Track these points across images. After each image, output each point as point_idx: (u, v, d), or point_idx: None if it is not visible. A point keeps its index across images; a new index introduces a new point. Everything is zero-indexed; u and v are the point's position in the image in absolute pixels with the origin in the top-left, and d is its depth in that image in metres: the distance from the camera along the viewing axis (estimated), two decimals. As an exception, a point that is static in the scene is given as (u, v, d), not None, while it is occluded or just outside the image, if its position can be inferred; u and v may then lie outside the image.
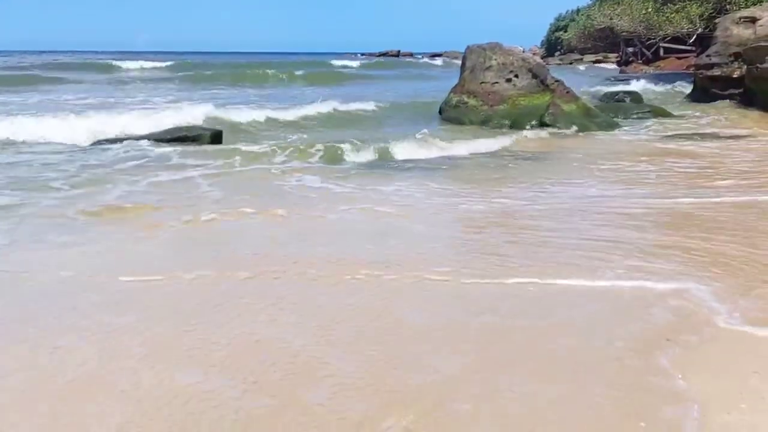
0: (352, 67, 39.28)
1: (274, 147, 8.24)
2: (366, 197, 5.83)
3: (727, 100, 14.90)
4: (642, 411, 2.33)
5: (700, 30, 32.38)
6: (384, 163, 7.82)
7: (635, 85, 19.78)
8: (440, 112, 13.04)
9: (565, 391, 2.47)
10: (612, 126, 11.58)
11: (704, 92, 15.88)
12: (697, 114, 13.47)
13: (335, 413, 2.32)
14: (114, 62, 34.58)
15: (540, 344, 2.87)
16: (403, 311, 3.21)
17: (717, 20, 18.13)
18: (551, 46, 60.88)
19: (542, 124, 11.31)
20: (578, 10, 57.34)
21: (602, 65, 42.69)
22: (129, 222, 4.89)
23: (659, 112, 13.29)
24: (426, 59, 64.61)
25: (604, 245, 4.25)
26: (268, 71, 26.32)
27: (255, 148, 8.18)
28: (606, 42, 45.34)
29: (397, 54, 79.09)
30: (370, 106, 13.79)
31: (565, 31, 57.31)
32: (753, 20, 15.44)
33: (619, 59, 42.18)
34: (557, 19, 62.75)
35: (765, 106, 13.46)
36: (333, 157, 7.88)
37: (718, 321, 3.10)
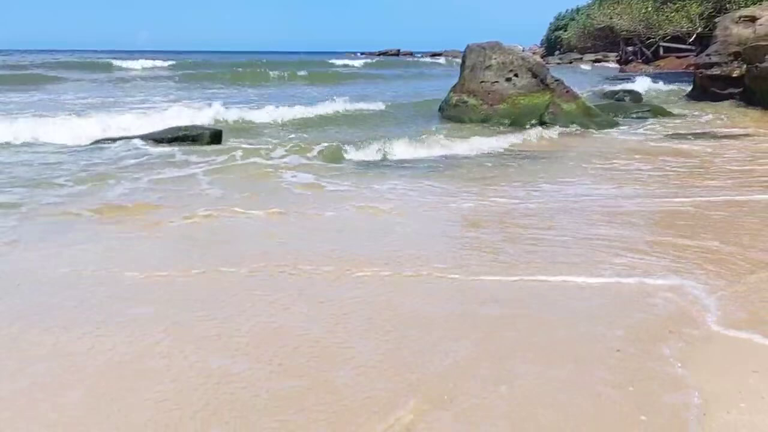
0: (354, 67, 39.33)
1: (274, 146, 8.25)
2: (364, 195, 5.86)
3: (727, 99, 14.90)
4: (642, 395, 2.43)
5: (699, 29, 32.44)
6: (384, 162, 7.82)
7: (639, 84, 19.57)
8: (440, 111, 13.05)
9: (569, 375, 2.58)
10: (611, 125, 11.59)
11: (704, 91, 15.89)
12: (697, 113, 13.48)
13: (361, 393, 2.45)
14: (115, 62, 34.55)
15: (543, 333, 2.97)
16: (409, 304, 3.31)
17: (717, 19, 18.13)
18: (551, 46, 60.93)
19: (542, 123, 11.31)
20: (578, 10, 57.42)
21: (605, 64, 42.65)
22: (130, 220, 4.93)
23: (659, 111, 13.31)
24: (426, 58, 64.66)
25: (598, 243, 4.31)
26: (270, 72, 26.30)
27: (255, 147, 8.19)
28: (606, 41, 45.41)
29: (397, 53, 79.11)
30: (371, 105, 13.81)
31: (565, 31, 57.38)
32: (753, 19, 15.44)
33: (618, 58, 42.21)
34: (557, 19, 62.80)
35: (764, 105, 13.47)
36: (333, 156, 7.88)
37: (714, 319, 3.11)
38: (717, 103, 14.83)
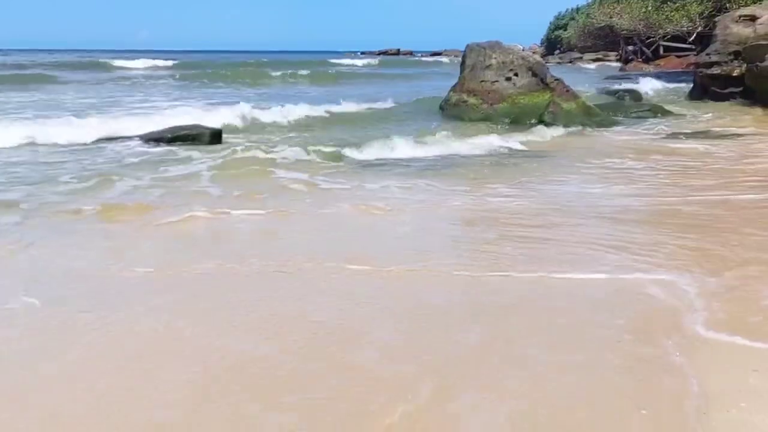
0: (356, 66, 39.39)
1: (275, 146, 8.26)
2: (363, 194, 5.89)
3: (728, 99, 14.90)
4: (642, 389, 2.52)
5: (699, 28, 32.41)
6: (383, 161, 7.82)
7: (644, 84, 19.30)
8: (441, 110, 13.05)
9: (574, 360, 2.72)
10: (611, 124, 11.59)
11: (704, 91, 15.89)
12: (697, 112, 13.47)
13: (380, 375, 2.60)
14: (115, 61, 34.58)
15: (548, 322, 3.10)
16: (417, 296, 3.46)
17: (717, 18, 18.12)
18: (551, 45, 60.86)
19: (542, 123, 11.31)
20: (578, 9, 57.35)
21: (607, 63, 42.59)
22: (133, 218, 4.98)
23: (658, 111, 13.29)
24: (428, 58, 64.64)
25: (594, 240, 4.38)
26: (272, 71, 26.29)
27: (255, 147, 8.19)
28: (606, 40, 45.38)
29: (397, 52, 79.15)
30: (372, 105, 13.77)
31: (565, 30, 57.31)
32: (753, 19, 15.44)
33: (618, 58, 42.20)
34: (557, 18, 62.72)
35: (765, 104, 13.47)
36: (333, 156, 7.89)
37: (710, 318, 3.13)
38: (717, 102, 14.83)
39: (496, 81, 12.49)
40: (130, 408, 2.38)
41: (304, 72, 26.73)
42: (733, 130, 10.77)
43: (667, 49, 36.50)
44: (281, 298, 3.40)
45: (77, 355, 2.78)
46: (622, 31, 38.94)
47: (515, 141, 9.36)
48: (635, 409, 2.36)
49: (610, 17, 39.16)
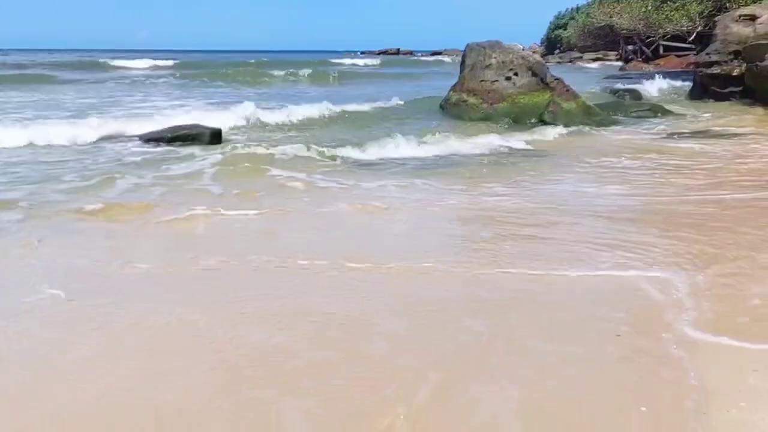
0: (357, 66, 39.38)
1: (275, 145, 8.26)
2: (363, 194, 5.92)
3: (727, 98, 14.90)
4: (642, 374, 2.63)
5: (699, 28, 32.43)
6: (383, 161, 7.83)
7: (649, 85, 18.98)
8: (441, 110, 13.05)
9: (574, 353, 2.80)
10: (611, 124, 11.59)
11: (704, 90, 15.89)
12: (696, 112, 13.46)
13: (391, 364, 2.70)
14: (115, 61, 34.56)
15: (549, 315, 3.18)
16: (418, 291, 3.53)
17: (717, 18, 18.12)
18: (551, 44, 60.87)
19: (542, 122, 11.32)
20: (578, 8, 57.37)
21: (609, 63, 42.55)
22: (135, 217, 5.02)
23: (658, 110, 13.29)
24: (430, 57, 64.61)
25: (590, 238, 4.44)
26: (274, 71, 26.26)
27: (255, 146, 8.19)
28: (606, 40, 45.39)
29: (397, 52, 79.15)
30: (374, 105, 13.74)
31: (565, 29, 57.32)
32: (753, 18, 15.44)
33: (618, 57, 42.21)
34: (557, 17, 62.73)
35: (764, 104, 13.48)
36: (332, 155, 7.89)
37: (701, 315, 3.15)
38: (717, 101, 14.83)
39: (496, 80, 12.49)
40: (150, 393, 2.47)
41: (305, 71, 26.70)
42: (732, 129, 10.77)
43: (667, 48, 36.51)
44: (286, 293, 3.48)
45: (100, 342, 2.90)
46: (622, 30, 38.95)
47: (515, 140, 9.36)
48: (635, 401, 2.37)
49: (610, 17, 39.17)
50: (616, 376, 2.61)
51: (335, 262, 3.90)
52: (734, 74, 14.89)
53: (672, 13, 33.74)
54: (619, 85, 18.72)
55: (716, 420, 2.28)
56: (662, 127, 11.29)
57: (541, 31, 67.72)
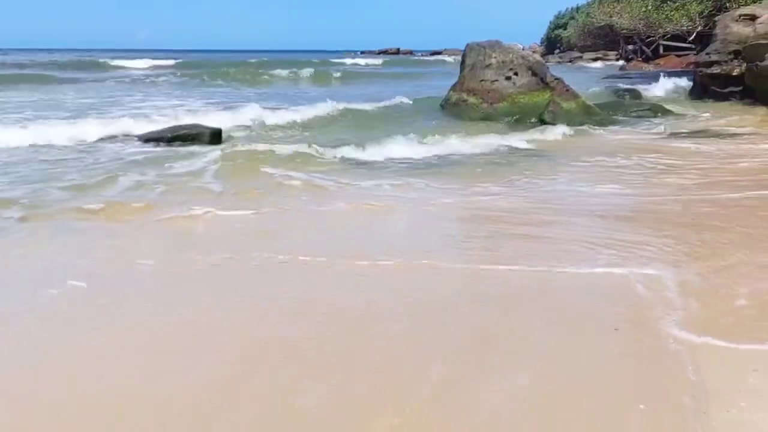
0: (359, 65, 39.39)
1: (275, 145, 8.26)
2: (360, 193, 5.97)
3: (728, 98, 14.90)
4: (642, 358, 2.77)
5: (699, 27, 32.42)
6: (382, 160, 7.83)
7: (661, 84, 18.67)
8: (441, 109, 13.05)
9: (574, 341, 2.90)
10: (611, 124, 11.59)
11: (704, 90, 15.89)
12: (696, 112, 13.46)
13: (400, 353, 2.82)
14: (115, 61, 34.56)
15: (549, 308, 3.27)
16: (420, 287, 3.61)
17: (717, 18, 18.11)
18: (551, 44, 60.83)
19: (542, 122, 11.32)
20: (578, 8, 57.31)
21: (610, 62, 42.50)
22: (136, 216, 5.05)
23: (658, 110, 13.28)
24: (426, 57, 64.59)
25: (584, 238, 4.48)
26: (275, 71, 26.25)
27: (255, 146, 8.19)
28: (606, 40, 45.35)
29: (397, 51, 79.15)
30: (376, 104, 13.71)
31: (565, 29, 57.27)
32: (753, 18, 15.43)
33: (618, 57, 42.19)
34: (557, 17, 62.68)
35: (764, 103, 13.47)
36: (332, 155, 7.90)
37: (697, 314, 3.17)
38: (717, 101, 14.82)
39: (496, 80, 12.49)
40: (163, 386, 2.55)
41: (306, 71, 26.69)
42: (731, 129, 10.79)
43: (667, 48, 36.50)
44: (291, 288, 3.56)
45: (102, 341, 2.94)
46: (622, 30, 38.93)
47: (514, 140, 9.36)
48: (634, 395, 2.38)
49: (610, 16, 39.14)
50: (616, 369, 2.65)
51: (336, 260, 3.97)
52: (734, 74, 14.88)
53: (672, 12, 33.73)
54: (621, 85, 18.64)
55: (716, 420, 2.28)
56: (661, 127, 11.28)
57: (541, 31, 67.72)
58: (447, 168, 7.42)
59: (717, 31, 16.26)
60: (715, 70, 15.36)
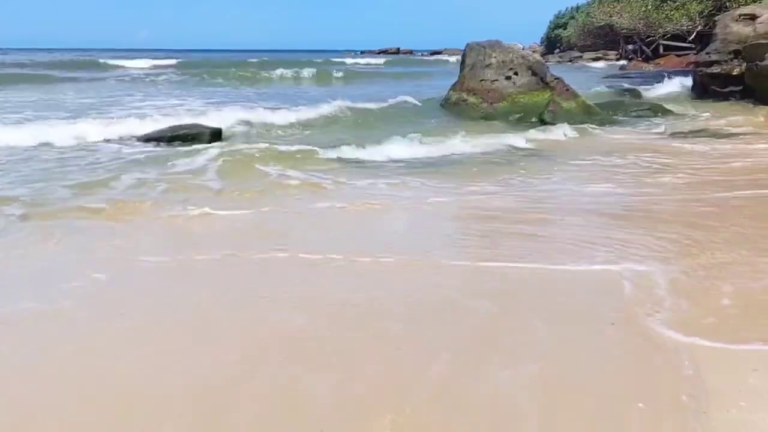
0: (360, 65, 39.38)
1: (274, 145, 8.27)
2: (359, 192, 6.01)
3: (727, 98, 14.89)
4: (639, 355, 2.81)
5: (699, 27, 32.43)
6: (380, 160, 7.85)
7: (667, 84, 18.42)
8: (441, 108, 13.05)
9: (573, 340, 2.94)
10: (610, 123, 11.60)
11: (704, 89, 15.89)
12: (696, 111, 13.45)
13: (407, 344, 2.90)
14: (115, 60, 34.52)
15: (546, 306, 3.33)
16: (422, 283, 3.68)
17: (717, 17, 18.10)
18: (551, 44, 60.79)
19: (542, 122, 11.32)
20: (578, 8, 57.27)
21: (611, 62, 42.45)
22: (134, 216, 5.08)
23: (658, 110, 13.28)
24: (426, 57, 64.57)
25: (578, 235, 4.57)
26: (276, 71, 26.22)
27: (254, 146, 8.19)
28: (606, 39, 45.33)
29: (397, 51, 79.13)
30: (377, 104, 13.68)
31: (565, 29, 57.23)
32: (753, 17, 15.43)
33: (618, 57, 42.18)
34: (557, 17, 62.62)
35: (764, 103, 13.48)
36: (331, 155, 7.90)
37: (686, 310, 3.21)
38: (717, 101, 14.82)
39: (496, 80, 12.50)
40: (168, 381, 2.60)
41: (308, 71, 26.66)
42: (729, 129, 10.81)
43: (666, 48, 36.49)
44: (291, 288, 3.59)
45: (119, 332, 3.03)
46: (622, 30, 38.93)
47: (514, 140, 9.36)
48: (634, 390, 2.39)
49: (610, 16, 39.14)
50: (614, 368, 2.70)
51: (336, 258, 4.01)
52: (734, 74, 14.88)
53: (672, 12, 33.74)
54: (626, 85, 18.55)
55: (716, 420, 2.29)
56: (660, 126, 11.30)
57: (541, 31, 67.63)
58: (445, 167, 7.45)
59: (717, 30, 16.25)
60: (715, 69, 15.36)
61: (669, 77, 19.35)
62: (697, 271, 3.77)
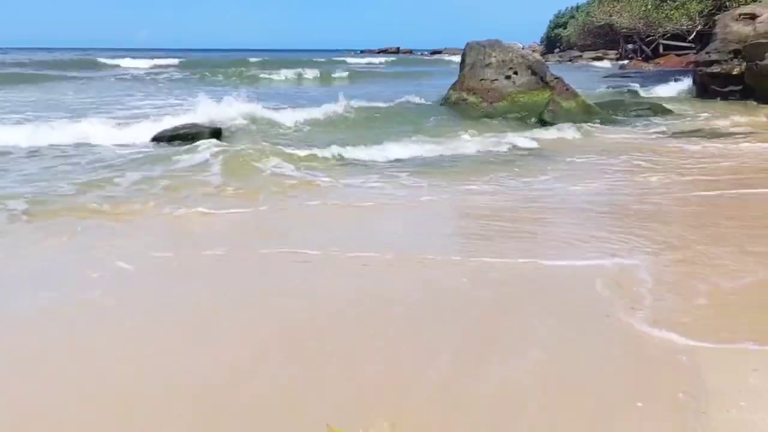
0: (361, 65, 39.38)
1: (275, 144, 8.27)
2: (358, 191, 6.06)
3: (727, 97, 14.90)
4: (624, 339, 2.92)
5: (699, 27, 32.41)
6: (379, 160, 7.85)
7: (671, 84, 18.26)
8: (440, 108, 13.04)
9: (573, 339, 2.96)
10: (610, 123, 11.59)
11: (704, 89, 15.90)
12: (695, 111, 13.45)
13: (411, 337, 2.97)
14: (116, 60, 34.51)
15: (543, 304, 3.37)
16: (423, 278, 3.75)
17: (716, 17, 18.10)
18: (551, 43, 60.82)
19: (542, 121, 11.32)
20: (578, 7, 57.32)
21: (611, 61, 42.40)
22: (134, 215, 5.11)
23: (658, 110, 13.27)
24: (427, 56, 64.56)
25: (572, 232, 4.67)
26: (278, 71, 26.21)
27: (254, 145, 8.18)
28: (606, 39, 45.36)
29: (397, 51, 79.11)
30: (378, 104, 13.65)
31: (565, 28, 57.26)
32: (752, 17, 15.43)
33: (618, 56, 42.17)
34: (557, 16, 62.66)
35: (764, 102, 13.48)
36: (330, 154, 7.90)
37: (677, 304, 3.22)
38: (717, 100, 14.83)
39: (496, 79, 12.49)
40: (169, 380, 2.61)
41: (309, 70, 26.65)
42: (727, 129, 10.83)
43: (666, 47, 36.47)
44: (296, 283, 3.67)
45: (120, 331, 3.05)
46: (622, 29, 38.94)
47: (513, 139, 9.37)
48: (633, 390, 2.40)
49: (610, 15, 39.14)
50: (613, 361, 2.74)
51: (336, 257, 4.05)
52: (734, 73, 14.89)
53: (672, 11, 33.72)
54: (631, 84, 18.49)
55: (716, 420, 2.29)
56: (659, 126, 11.31)
57: (540, 30, 67.68)
58: (444, 166, 7.49)
59: (717, 30, 16.26)
60: (715, 69, 15.36)
61: (669, 77, 19.33)
62: (680, 267, 3.86)
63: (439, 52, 71.42)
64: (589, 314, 3.20)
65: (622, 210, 5.47)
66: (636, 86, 18.21)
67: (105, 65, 32.33)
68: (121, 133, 9.22)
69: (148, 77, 23.55)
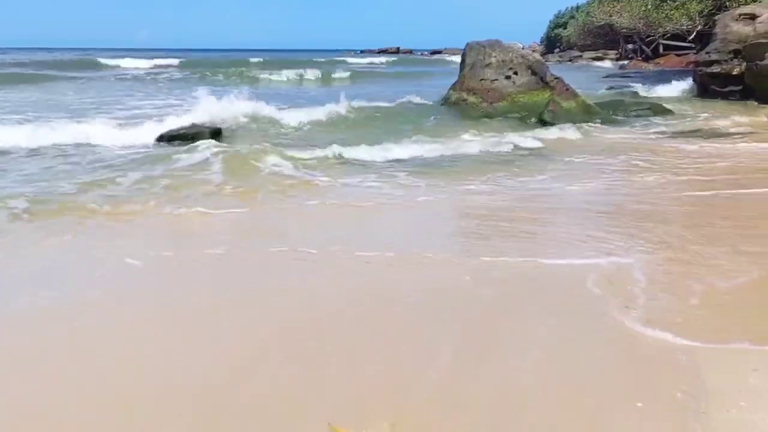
0: (362, 64, 39.37)
1: (274, 144, 8.27)
2: (358, 191, 6.07)
3: (727, 97, 14.90)
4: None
5: (699, 27, 32.42)
6: (378, 160, 7.85)
7: (671, 84, 18.10)
8: (441, 108, 13.04)
9: (573, 339, 2.97)
10: (610, 123, 11.59)
11: (704, 89, 15.90)
12: (695, 111, 13.45)
13: (412, 334, 3.00)
14: (116, 60, 34.48)
15: (547, 293, 3.49)
16: (424, 277, 3.77)
17: (716, 17, 18.10)
18: (551, 43, 60.81)
19: (542, 121, 11.31)
20: (578, 7, 57.31)
21: (611, 61, 42.38)
22: (135, 215, 5.11)
23: (658, 110, 13.26)
24: (426, 56, 64.55)
25: (570, 232, 4.70)
26: (279, 71, 26.20)
27: (253, 145, 8.18)
28: (606, 39, 45.36)
29: (397, 51, 79.08)
30: (379, 104, 13.63)
31: (565, 28, 57.26)
32: (752, 17, 15.43)
33: (618, 56, 42.17)
34: (557, 16, 62.65)
35: (764, 102, 13.48)
36: (330, 154, 7.90)
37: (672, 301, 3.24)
38: (717, 100, 14.83)
39: (496, 79, 12.49)
40: (183, 370, 2.67)
41: (309, 70, 26.64)
42: (727, 129, 10.82)
43: (666, 47, 36.48)
44: (296, 282, 3.69)
45: (119, 331, 3.07)
46: (622, 29, 38.95)
47: (513, 139, 9.36)
48: (633, 390, 2.40)
49: (610, 15, 39.16)
50: (612, 360, 2.75)
51: (335, 257, 4.07)
52: (734, 73, 14.89)
53: (672, 11, 33.73)
54: (632, 84, 18.46)
55: (716, 420, 2.29)
56: (658, 126, 11.31)
57: (540, 30, 67.67)
58: (443, 166, 7.50)
59: (717, 30, 16.26)
60: (715, 69, 15.36)
61: (670, 77, 19.26)
62: (674, 266, 3.87)
63: (439, 52, 71.41)
64: (589, 314, 3.20)
65: (619, 210, 5.50)
66: (636, 86, 18.20)
67: (105, 65, 32.32)
68: (121, 133, 9.22)
69: (149, 77, 23.55)
